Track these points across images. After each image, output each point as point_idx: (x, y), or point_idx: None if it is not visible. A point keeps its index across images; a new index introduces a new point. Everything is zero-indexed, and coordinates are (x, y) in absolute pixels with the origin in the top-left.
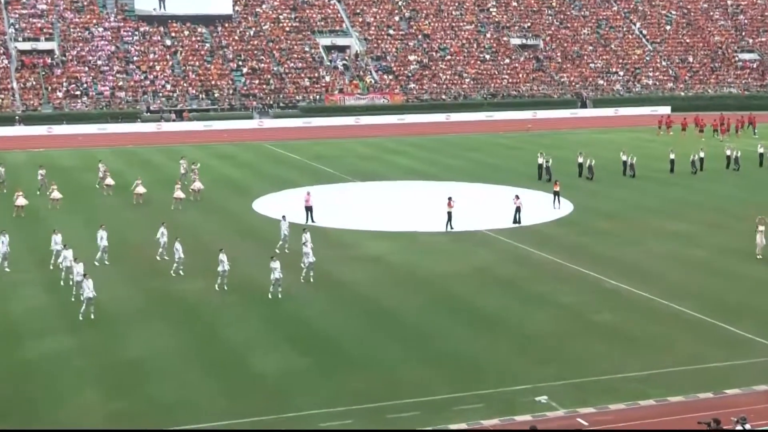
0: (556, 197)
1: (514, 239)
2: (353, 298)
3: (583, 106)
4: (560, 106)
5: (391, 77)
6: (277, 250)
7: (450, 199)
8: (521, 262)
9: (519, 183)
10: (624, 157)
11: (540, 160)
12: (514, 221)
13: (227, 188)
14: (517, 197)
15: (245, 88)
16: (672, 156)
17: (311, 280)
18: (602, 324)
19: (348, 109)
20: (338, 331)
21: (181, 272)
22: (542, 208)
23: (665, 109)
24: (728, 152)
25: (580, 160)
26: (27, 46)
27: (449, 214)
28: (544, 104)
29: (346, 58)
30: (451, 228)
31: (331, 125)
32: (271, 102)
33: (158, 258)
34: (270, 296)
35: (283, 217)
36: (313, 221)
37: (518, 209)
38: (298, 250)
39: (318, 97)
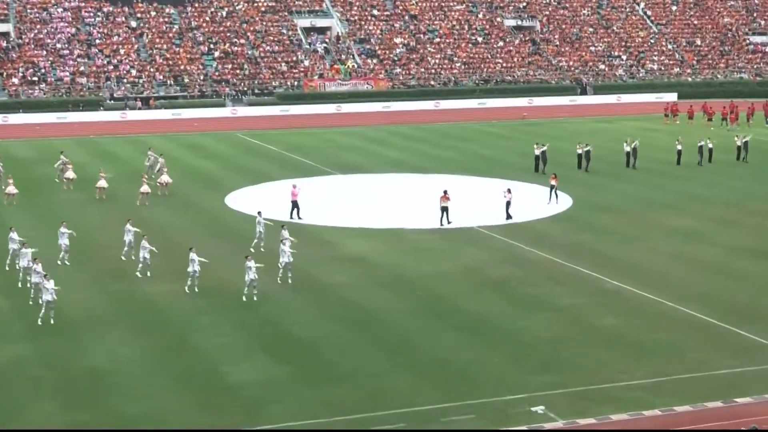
0: (553, 191)
1: (508, 237)
2: (335, 302)
3: (583, 92)
4: (558, 92)
5: (375, 61)
6: (252, 249)
7: (445, 192)
8: (516, 262)
9: (514, 176)
10: (627, 148)
11: (536, 151)
12: (507, 217)
13: (198, 182)
14: (509, 191)
15: (217, 73)
16: (679, 146)
17: (289, 281)
18: (603, 328)
19: (328, 96)
20: (319, 338)
21: (148, 273)
22: (539, 202)
23: (671, 96)
24: (738, 142)
25: (579, 151)
26: None
27: (445, 209)
28: (540, 91)
29: (327, 40)
30: (449, 222)
31: (310, 113)
32: (245, 88)
33: (123, 258)
34: (245, 299)
35: (259, 212)
36: (299, 218)
37: (509, 204)
38: (275, 249)
39: (296, 83)
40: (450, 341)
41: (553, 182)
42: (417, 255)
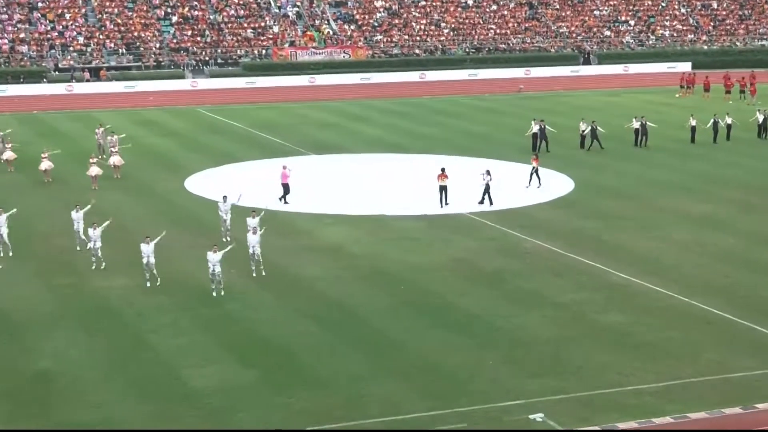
0: (534, 174)
1: (502, 224)
2: (308, 297)
3: (587, 62)
4: (558, 62)
5: (353, 27)
6: (224, 240)
7: (443, 170)
8: (511, 253)
9: (509, 156)
10: (635, 124)
11: (534, 128)
12: (481, 201)
13: (154, 163)
14: (488, 173)
15: (175, 41)
16: (693, 122)
17: (254, 275)
18: (609, 326)
19: (301, 67)
20: (291, 338)
21: (102, 266)
22: (535, 185)
23: (685, 66)
24: (760, 118)
25: (583, 128)
26: None
27: (444, 188)
28: (539, 60)
29: (299, 3)
30: (446, 203)
31: (280, 86)
32: (207, 58)
33: (78, 249)
34: (214, 294)
35: (224, 197)
36: (285, 202)
37: (487, 187)
38: (242, 239)
39: (264, 51)
40: (438, 341)
41: (534, 163)
42: (401, 245)
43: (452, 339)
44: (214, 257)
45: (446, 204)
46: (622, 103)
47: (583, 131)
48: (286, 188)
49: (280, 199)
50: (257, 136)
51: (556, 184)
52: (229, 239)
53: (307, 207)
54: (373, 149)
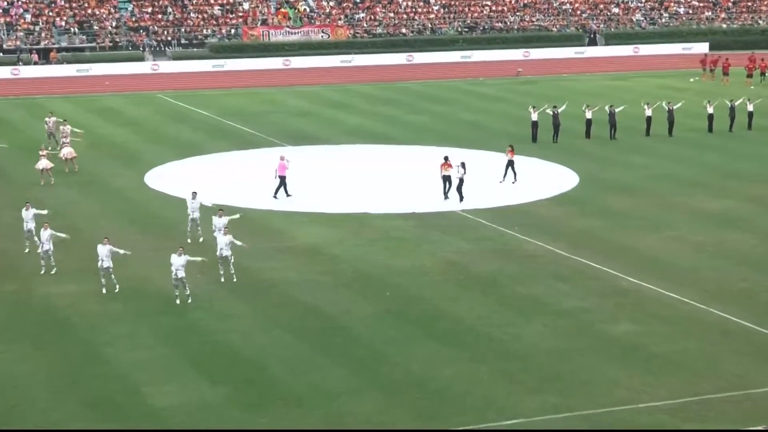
0: (510, 168)
1: (498, 223)
2: (283, 305)
3: (592, 42)
4: (561, 42)
5: (332, 4)
6: (189, 241)
7: (446, 159)
8: (508, 255)
9: (506, 147)
10: (648, 112)
11: (533, 116)
12: (462, 198)
13: (110, 155)
14: (462, 165)
15: (133, 19)
16: (710, 110)
17: (230, 279)
18: (617, 337)
19: (274, 48)
20: (263, 350)
21: (52, 271)
22: (537, 180)
23: (701, 47)
24: None
25: (589, 115)
26: None
27: (447, 178)
28: (539, 40)
29: None
30: (448, 197)
31: (251, 69)
32: (170, 38)
33: (27, 251)
34: (178, 302)
35: (193, 194)
36: (287, 194)
37: (461, 182)
38: (210, 241)
39: (233, 31)
40: (427, 354)
41: (509, 156)
42: (386, 246)
43: (443, 351)
44: (178, 260)
45: (448, 198)
46: (632, 87)
47: (589, 119)
48: (283, 181)
49: (286, 194)
50: (226, 125)
51: (559, 178)
52: (191, 240)
53: (281, 204)
54: (355, 139)
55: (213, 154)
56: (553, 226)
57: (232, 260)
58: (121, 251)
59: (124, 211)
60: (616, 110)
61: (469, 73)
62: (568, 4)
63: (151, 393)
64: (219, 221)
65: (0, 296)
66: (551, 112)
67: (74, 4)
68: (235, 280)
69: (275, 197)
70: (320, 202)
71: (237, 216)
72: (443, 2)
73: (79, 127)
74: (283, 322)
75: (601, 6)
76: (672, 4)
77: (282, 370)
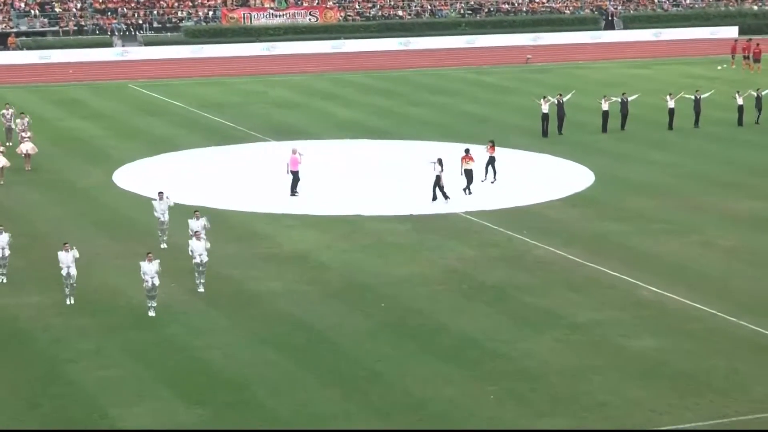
0: (490, 166)
1: (505, 226)
2: (267, 318)
3: (610, 26)
4: (575, 26)
5: None
6: (165, 246)
7: (467, 152)
8: (516, 262)
9: (515, 142)
10: (670, 103)
11: (544, 108)
12: (435, 197)
13: (74, 152)
14: (439, 162)
15: (100, 0)
16: (739, 101)
17: (201, 288)
18: (638, 353)
19: (256, 32)
20: (245, 369)
21: (3, 281)
22: (548, 179)
23: (730, 31)
24: None
25: (605, 107)
26: None
27: (469, 172)
28: (550, 24)
29: None
30: (470, 192)
31: (231, 56)
32: (140, 21)
33: None
34: (150, 314)
35: (160, 194)
36: (294, 193)
37: (438, 180)
38: (184, 245)
39: (211, 13)
40: (426, 372)
41: (490, 153)
42: (380, 252)
43: (444, 369)
44: (150, 268)
45: (470, 193)
46: (653, 76)
47: (606, 111)
48: (295, 176)
49: (293, 193)
50: (203, 117)
51: (572, 177)
52: (166, 245)
53: (265, 206)
54: (346, 134)
55: (189, 150)
56: (566, 230)
57: (206, 268)
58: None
59: (90, 213)
60: (630, 99)
61: (473, 60)
62: None
63: (120, 416)
64: (195, 224)
65: None
66: (555, 101)
67: None
68: (202, 290)
69: (295, 193)
70: (308, 203)
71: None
72: None
73: (40, 120)
74: (267, 337)
75: None
76: None
77: (265, 390)
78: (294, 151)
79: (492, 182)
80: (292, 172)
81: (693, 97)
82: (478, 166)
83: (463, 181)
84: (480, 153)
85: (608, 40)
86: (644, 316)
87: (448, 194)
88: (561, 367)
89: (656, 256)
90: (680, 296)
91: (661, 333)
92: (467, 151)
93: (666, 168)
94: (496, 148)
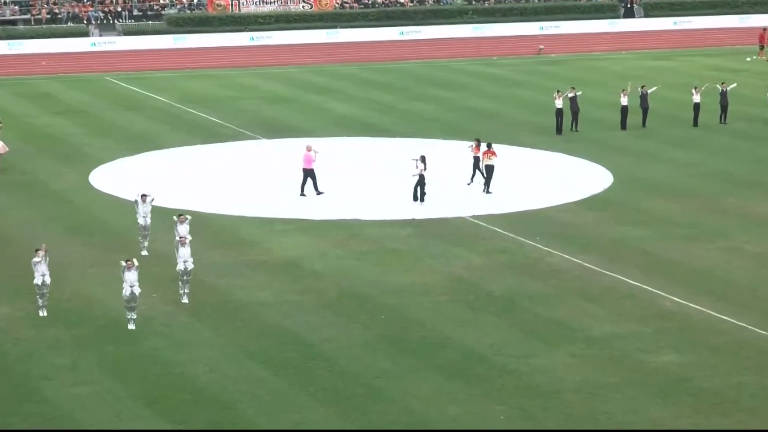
0: (485, 172)
1: (516, 231)
2: (256, 331)
3: (629, 14)
4: (591, 14)
5: None
6: (146, 254)
7: (489, 146)
8: (527, 270)
9: (525, 140)
10: (696, 98)
11: (558, 102)
12: (416, 198)
13: (47, 151)
14: (422, 160)
15: None
16: None
17: (185, 299)
18: (660, 369)
19: (244, 21)
20: (232, 387)
21: None
22: (563, 180)
23: (761, 20)
24: None
25: (624, 101)
26: None
27: (490, 168)
28: (565, 12)
29: None
30: (489, 191)
31: (217, 47)
32: (119, 9)
33: None
34: (130, 327)
35: (143, 196)
36: (318, 191)
37: (421, 180)
38: (167, 252)
39: (195, 0)
40: (429, 389)
41: (475, 153)
42: (380, 260)
43: (448, 386)
44: (130, 276)
45: (489, 191)
46: (677, 68)
47: (625, 106)
48: (312, 175)
49: (317, 192)
50: (187, 113)
51: (588, 178)
52: (147, 252)
53: (254, 209)
54: (342, 131)
55: (172, 149)
56: (581, 235)
57: (191, 276)
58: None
59: (64, 217)
60: (649, 91)
61: (481, 51)
62: None
63: None
64: (182, 229)
65: None
66: (569, 95)
67: None
68: (186, 300)
69: (318, 191)
70: (301, 206)
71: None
72: None
73: (10, 116)
74: (256, 352)
75: None
76: None
77: (254, 409)
78: (309, 148)
79: (468, 184)
80: (305, 170)
81: (719, 89)
82: (514, 166)
83: (481, 178)
84: (504, 152)
85: (627, 29)
86: (666, 329)
87: (425, 195)
88: (576, 384)
89: (679, 264)
90: (705, 307)
91: (684, 347)
92: (489, 145)
93: (690, 168)
94: (480, 146)
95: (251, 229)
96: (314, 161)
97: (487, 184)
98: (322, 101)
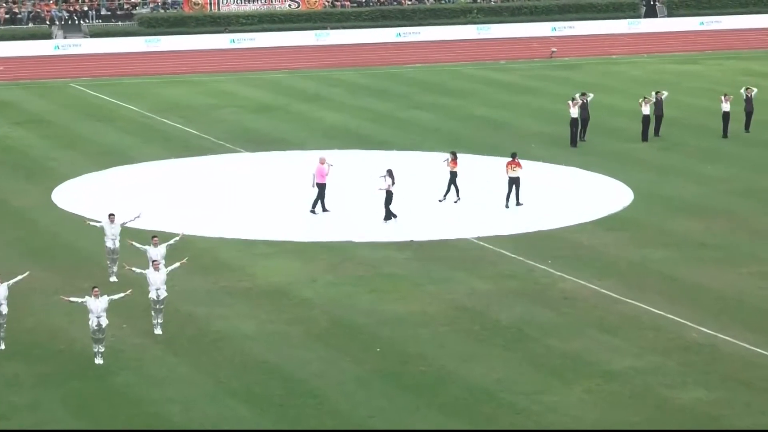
0: (513, 188)
1: (525, 254)
2: (238, 366)
3: (651, 13)
4: (610, 13)
5: None
6: (115, 279)
7: (514, 156)
8: (539, 297)
9: (536, 153)
10: (725, 106)
11: (573, 111)
12: (387, 216)
13: (7, 165)
14: (389, 174)
15: None
16: None
17: (158, 330)
18: (687, 406)
19: (224, 21)
20: (212, 427)
21: None
22: (578, 197)
23: None
24: None
25: (645, 110)
26: None
27: (514, 181)
28: (580, 11)
29: None
30: (519, 203)
31: (195, 50)
32: (86, 8)
33: None
34: (97, 360)
35: (110, 216)
36: (324, 209)
37: (389, 197)
38: (136, 278)
39: None
40: (431, 429)
41: (452, 168)
42: (375, 286)
43: (450, 426)
44: (97, 305)
45: (519, 203)
46: (703, 73)
47: (647, 115)
48: (322, 189)
49: (323, 208)
50: (161, 124)
51: (606, 195)
52: (116, 279)
53: (236, 230)
54: (333, 143)
55: (144, 163)
56: (598, 259)
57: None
58: (16, 279)
59: (24, 239)
60: (663, 97)
61: (487, 54)
62: None
63: None
64: (155, 252)
65: None
66: (579, 101)
67: None
68: (159, 331)
69: (324, 209)
70: (288, 226)
71: (177, 238)
72: None
73: None
74: (237, 389)
75: None
76: None
77: None
78: (322, 161)
79: (455, 201)
80: (318, 185)
81: (743, 95)
82: (555, 179)
83: (518, 190)
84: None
85: (649, 30)
86: (693, 363)
87: (394, 213)
88: (593, 423)
89: (707, 290)
90: (736, 338)
91: (713, 383)
92: (514, 155)
93: (719, 183)
94: (457, 160)
95: (232, 252)
96: (327, 174)
97: (509, 197)
98: (311, 110)
